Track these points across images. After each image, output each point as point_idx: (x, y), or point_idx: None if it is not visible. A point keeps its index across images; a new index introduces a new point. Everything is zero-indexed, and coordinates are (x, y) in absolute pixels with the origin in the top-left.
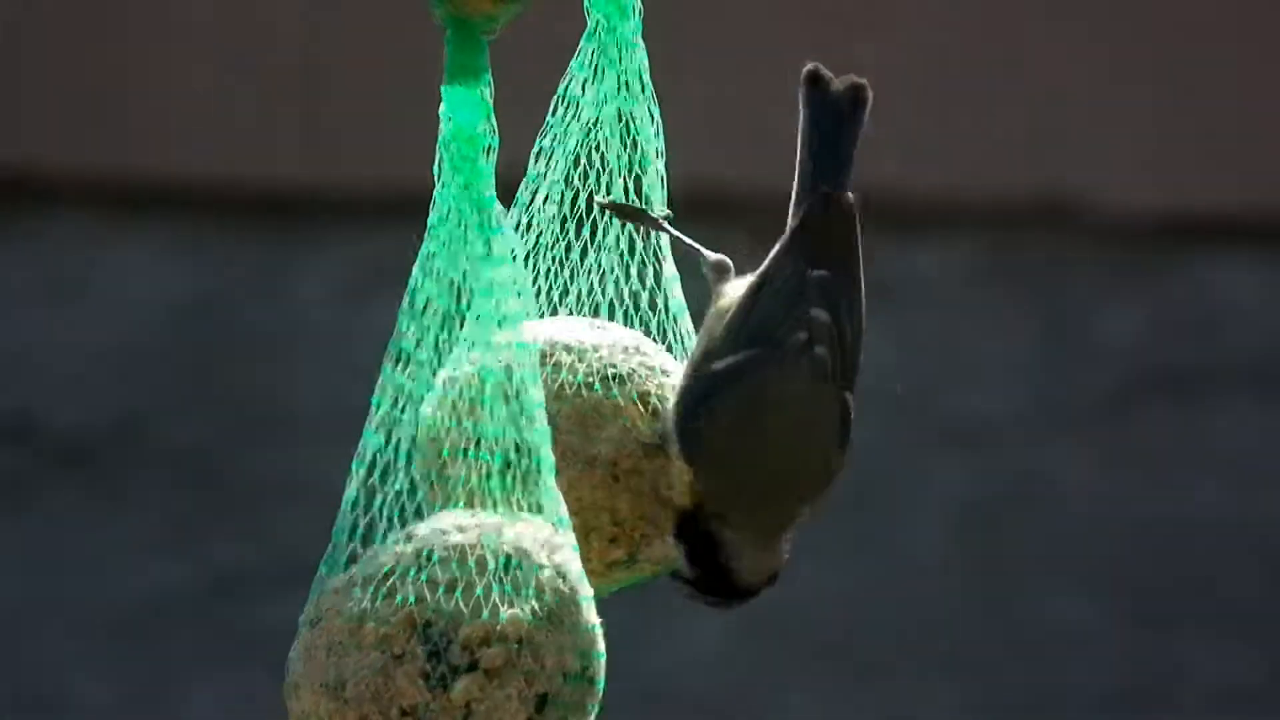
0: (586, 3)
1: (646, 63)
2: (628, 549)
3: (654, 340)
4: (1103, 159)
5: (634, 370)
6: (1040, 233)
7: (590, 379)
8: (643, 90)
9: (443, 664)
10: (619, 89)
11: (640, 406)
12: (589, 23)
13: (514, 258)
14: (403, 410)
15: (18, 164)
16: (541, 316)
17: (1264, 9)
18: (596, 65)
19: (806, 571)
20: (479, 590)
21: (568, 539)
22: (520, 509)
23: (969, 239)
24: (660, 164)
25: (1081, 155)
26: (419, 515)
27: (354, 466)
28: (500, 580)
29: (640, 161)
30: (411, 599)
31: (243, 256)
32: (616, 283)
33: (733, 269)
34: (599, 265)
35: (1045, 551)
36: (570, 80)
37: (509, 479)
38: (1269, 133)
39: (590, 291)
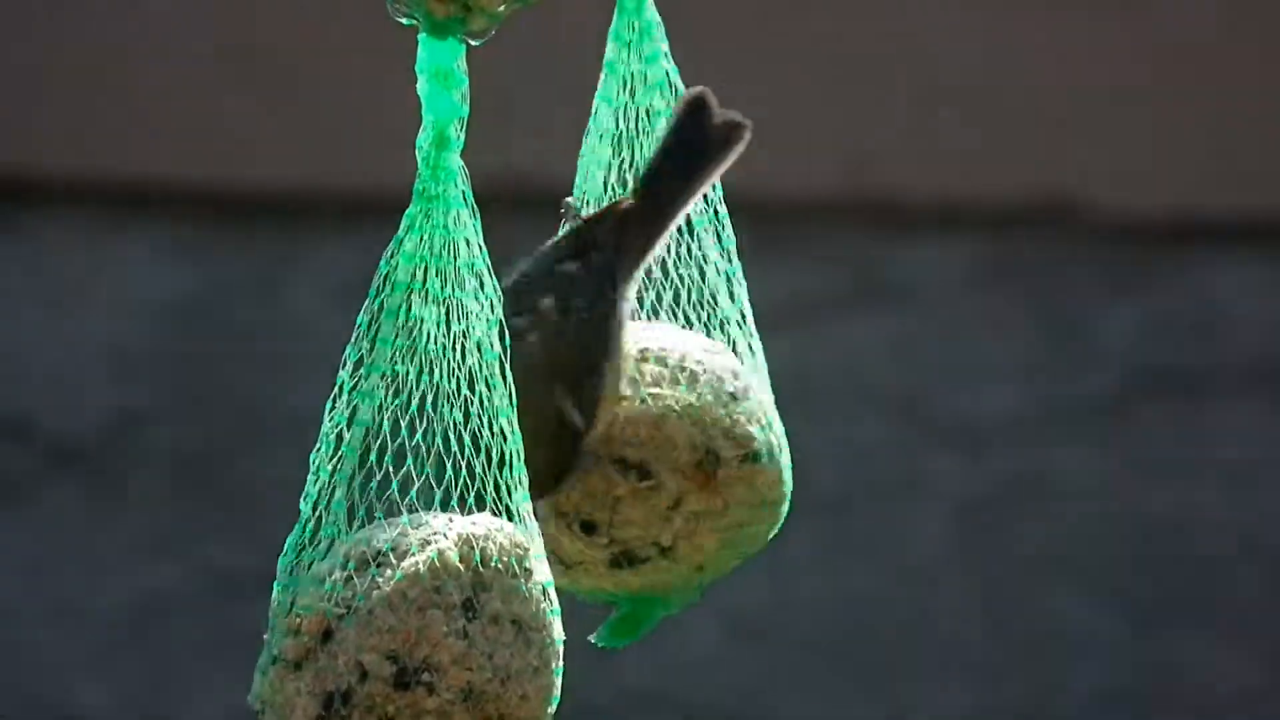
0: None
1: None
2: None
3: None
4: (1103, 159)
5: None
6: (1040, 233)
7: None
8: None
9: (269, 653)
10: (643, 96)
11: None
12: (615, 26)
13: (480, 259)
14: (351, 411)
15: (16, 164)
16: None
17: (1264, 10)
18: (626, 67)
19: (804, 572)
20: (313, 584)
21: (506, 546)
22: (510, 515)
23: (969, 239)
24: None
25: (1081, 155)
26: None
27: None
28: (342, 578)
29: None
30: (279, 590)
31: (241, 258)
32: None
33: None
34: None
35: (1045, 552)
36: (602, 88)
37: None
38: (1269, 134)
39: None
